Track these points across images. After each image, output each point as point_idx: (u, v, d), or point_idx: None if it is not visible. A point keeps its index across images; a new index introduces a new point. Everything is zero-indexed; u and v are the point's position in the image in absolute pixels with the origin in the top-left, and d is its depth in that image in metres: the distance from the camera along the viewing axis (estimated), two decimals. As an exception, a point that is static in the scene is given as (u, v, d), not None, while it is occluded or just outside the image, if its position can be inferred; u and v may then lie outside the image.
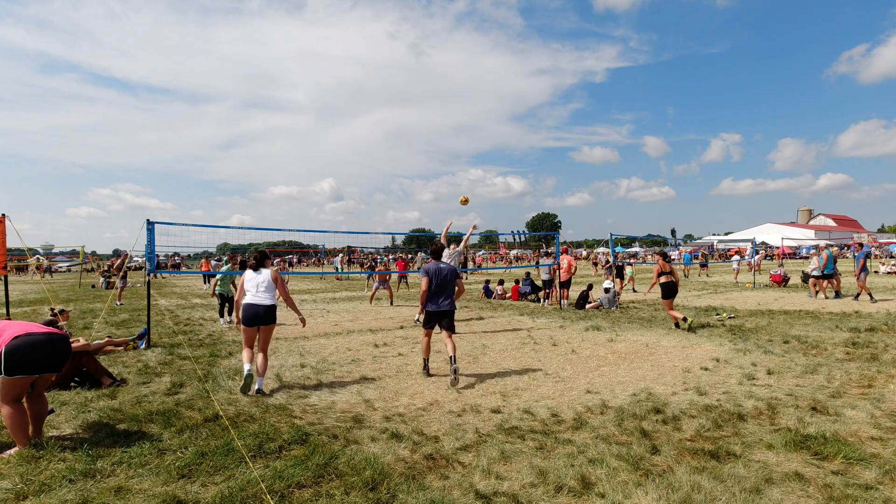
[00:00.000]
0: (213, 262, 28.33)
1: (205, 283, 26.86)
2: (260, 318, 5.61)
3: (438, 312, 6.19)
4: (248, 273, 5.86)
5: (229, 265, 12.00)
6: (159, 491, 3.16)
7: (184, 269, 33.65)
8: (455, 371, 5.66)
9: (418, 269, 8.36)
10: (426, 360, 6.25)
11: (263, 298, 5.66)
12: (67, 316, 8.46)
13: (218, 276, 11.18)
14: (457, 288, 6.43)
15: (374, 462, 3.52)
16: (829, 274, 14.03)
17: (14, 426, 3.73)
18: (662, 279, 9.51)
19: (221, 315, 11.05)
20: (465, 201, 12.14)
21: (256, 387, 5.36)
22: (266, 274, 5.80)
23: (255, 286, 5.73)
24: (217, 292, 10.99)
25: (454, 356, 5.83)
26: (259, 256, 5.96)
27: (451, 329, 6.20)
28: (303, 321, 6.20)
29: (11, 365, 3.65)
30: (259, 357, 5.56)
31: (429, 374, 6.17)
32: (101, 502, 3.06)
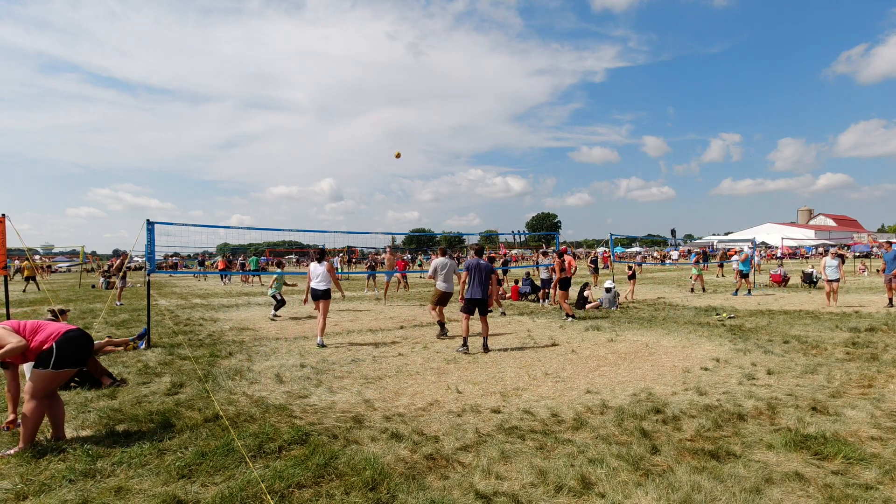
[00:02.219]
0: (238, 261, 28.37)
1: (223, 280, 26.67)
2: (317, 297, 8.41)
3: (473, 300, 7.59)
4: (313, 265, 8.54)
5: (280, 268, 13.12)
6: (159, 491, 3.16)
7: (196, 268, 33.16)
8: (485, 346, 7.43)
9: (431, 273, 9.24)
10: (465, 339, 7.55)
11: (319, 284, 8.37)
12: (67, 316, 8.45)
13: (275, 277, 12.44)
14: (491, 283, 7.78)
15: (374, 462, 3.52)
16: (745, 273, 16.17)
17: (35, 422, 3.81)
18: (563, 275, 11.52)
19: (276, 310, 11.89)
20: (398, 155, 14.03)
21: (318, 342, 8.10)
22: (323, 266, 8.43)
23: (315, 275, 8.42)
24: (271, 294, 12.15)
25: (486, 336, 7.55)
26: (320, 253, 8.72)
27: (483, 313, 7.70)
28: (342, 295, 9.96)
29: (59, 358, 3.85)
30: (320, 320, 8.24)
31: (468, 352, 7.34)
32: (101, 502, 3.06)
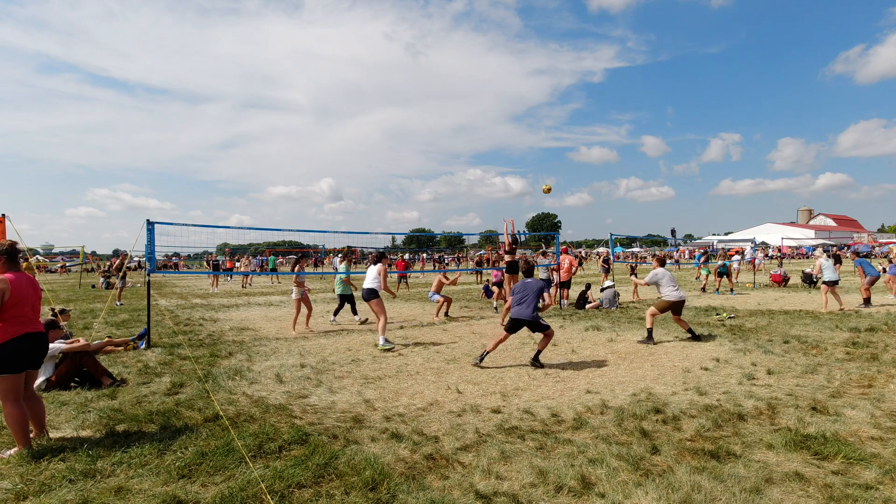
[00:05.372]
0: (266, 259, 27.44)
1: (219, 280, 26.00)
2: (365, 296, 8.23)
3: (520, 321, 6.69)
4: (370, 267, 8.51)
5: (345, 264, 11.63)
6: (159, 491, 3.16)
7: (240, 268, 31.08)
8: (535, 360, 6.62)
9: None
10: (486, 353, 6.72)
11: (368, 283, 8.28)
12: (68, 316, 8.46)
13: (338, 277, 11.33)
14: (542, 300, 6.78)
15: (374, 462, 3.52)
16: (722, 272, 16.96)
17: (11, 425, 3.75)
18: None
19: (335, 314, 11.12)
20: (548, 190, 12.95)
21: (379, 343, 7.89)
22: (375, 269, 8.34)
23: (368, 276, 8.40)
24: (338, 293, 11.06)
25: (539, 350, 6.69)
26: (378, 256, 8.50)
27: (539, 329, 6.71)
28: (392, 294, 9.61)
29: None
30: (377, 321, 8.15)
31: (480, 366, 6.61)
32: (101, 502, 3.06)
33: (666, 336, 8.53)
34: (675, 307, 8.30)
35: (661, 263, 8.95)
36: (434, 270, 31.09)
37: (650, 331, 8.10)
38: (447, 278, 12.47)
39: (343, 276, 11.05)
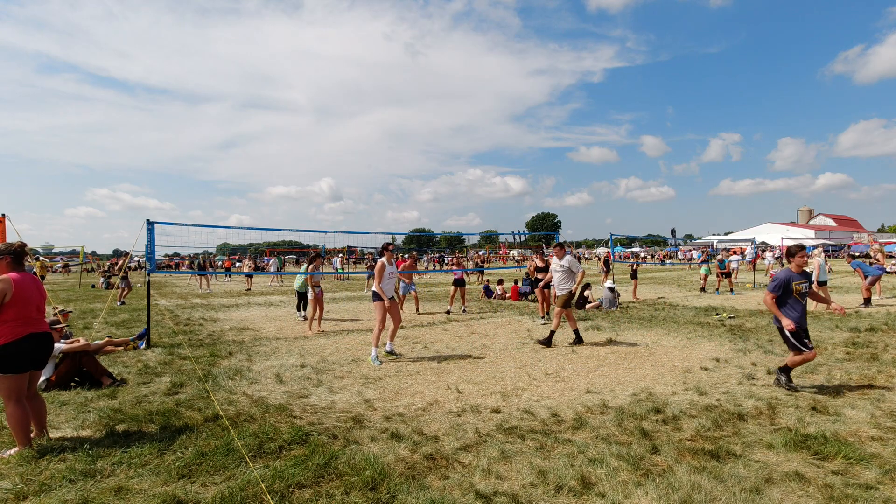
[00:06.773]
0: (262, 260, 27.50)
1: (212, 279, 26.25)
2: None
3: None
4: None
5: (308, 266, 11.66)
6: (159, 491, 3.16)
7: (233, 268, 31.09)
8: (785, 381, 5.36)
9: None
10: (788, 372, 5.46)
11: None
12: (67, 316, 8.46)
13: (299, 275, 11.75)
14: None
15: (374, 462, 3.52)
16: (726, 273, 17.09)
17: (13, 425, 3.75)
18: (540, 275, 11.20)
19: (298, 309, 11.88)
20: None
21: (370, 354, 7.06)
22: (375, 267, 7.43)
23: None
24: (295, 288, 11.78)
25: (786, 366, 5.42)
26: (379, 251, 7.85)
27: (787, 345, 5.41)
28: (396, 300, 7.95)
29: (2, 363, 3.69)
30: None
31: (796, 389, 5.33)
32: (101, 502, 3.06)
33: (666, 336, 8.54)
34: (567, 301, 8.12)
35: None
36: (436, 270, 31.12)
37: (553, 333, 8.02)
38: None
39: (305, 275, 11.04)
